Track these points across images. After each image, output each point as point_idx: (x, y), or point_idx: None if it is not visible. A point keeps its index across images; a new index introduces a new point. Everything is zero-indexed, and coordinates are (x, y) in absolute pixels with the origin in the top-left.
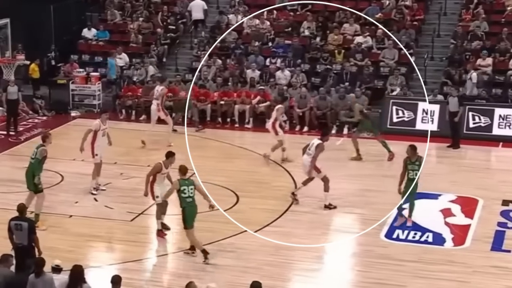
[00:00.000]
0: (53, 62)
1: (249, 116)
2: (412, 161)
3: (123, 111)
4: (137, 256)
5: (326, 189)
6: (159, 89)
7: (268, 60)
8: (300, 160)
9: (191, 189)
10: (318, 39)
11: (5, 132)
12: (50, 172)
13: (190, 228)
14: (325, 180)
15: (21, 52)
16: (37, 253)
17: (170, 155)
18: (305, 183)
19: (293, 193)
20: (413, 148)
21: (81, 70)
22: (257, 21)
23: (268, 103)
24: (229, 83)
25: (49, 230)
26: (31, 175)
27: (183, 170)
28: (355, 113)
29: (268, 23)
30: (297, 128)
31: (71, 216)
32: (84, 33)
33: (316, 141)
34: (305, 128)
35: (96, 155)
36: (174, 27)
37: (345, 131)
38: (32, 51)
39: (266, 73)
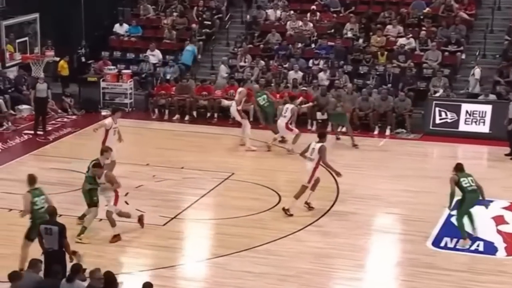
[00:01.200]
0: (83, 59)
1: None
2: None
3: (156, 110)
4: (169, 262)
5: (313, 188)
6: (239, 90)
7: (311, 61)
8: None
9: (42, 199)
10: (361, 40)
11: (33, 132)
12: (79, 174)
13: (30, 241)
14: (316, 182)
15: (50, 48)
16: (68, 259)
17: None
18: (313, 188)
19: (306, 202)
20: (458, 166)
21: (112, 67)
22: (300, 23)
23: (310, 104)
24: (272, 84)
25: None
26: (87, 191)
27: (31, 180)
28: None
29: (311, 24)
30: (339, 129)
31: (100, 220)
32: (116, 29)
33: (315, 144)
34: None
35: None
36: (209, 23)
37: (387, 132)
38: (62, 47)
39: (309, 74)
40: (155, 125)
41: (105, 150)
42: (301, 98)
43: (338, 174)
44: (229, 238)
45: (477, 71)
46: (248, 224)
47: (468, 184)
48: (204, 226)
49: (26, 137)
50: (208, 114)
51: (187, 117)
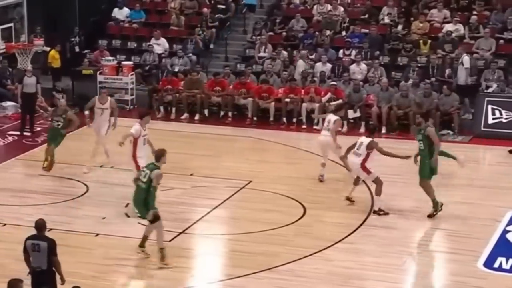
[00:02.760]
0: (77, 49)
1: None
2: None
3: (161, 108)
4: (176, 284)
5: (378, 192)
6: (331, 119)
7: (341, 51)
8: None
9: None
10: (400, 27)
11: (18, 133)
12: (73, 181)
13: None
14: (377, 182)
15: (39, 36)
16: (58, 279)
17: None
18: (356, 183)
19: (347, 198)
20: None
21: (110, 58)
22: (329, 7)
23: (340, 101)
24: (296, 78)
25: (70, 252)
26: (142, 202)
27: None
28: None
29: (342, 9)
30: None
31: (97, 234)
32: (115, 14)
33: (364, 139)
34: (383, 130)
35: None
36: (223, 7)
37: None
38: (52, 34)
39: (339, 67)
40: (160, 125)
41: (162, 154)
42: (329, 94)
43: (369, 172)
44: (246, 256)
45: (465, 59)
46: (268, 240)
47: None
48: (217, 243)
49: (11, 138)
50: (222, 113)
51: (197, 116)
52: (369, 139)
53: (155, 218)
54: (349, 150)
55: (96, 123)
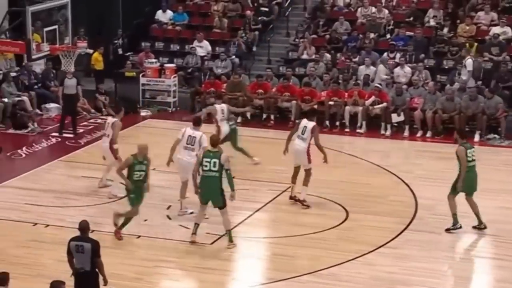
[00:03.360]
0: (120, 51)
1: (361, 119)
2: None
3: (204, 110)
4: (217, 287)
5: (306, 183)
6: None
7: (385, 54)
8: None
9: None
10: (445, 30)
11: (62, 135)
12: (115, 183)
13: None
14: (310, 173)
15: (82, 38)
16: (101, 281)
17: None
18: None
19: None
20: None
21: (153, 60)
22: (374, 9)
23: (384, 104)
24: (340, 81)
25: (112, 253)
26: (218, 191)
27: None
28: None
29: (386, 11)
30: (419, 133)
31: (139, 236)
32: (158, 16)
33: (308, 123)
34: (428, 134)
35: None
36: (267, 9)
37: (476, 138)
38: (96, 37)
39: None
40: (202, 128)
41: (217, 140)
42: (372, 98)
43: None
44: (288, 260)
45: (468, 62)
46: (310, 243)
47: None
48: (258, 246)
49: (54, 140)
50: (264, 116)
51: (239, 119)
52: (313, 123)
53: (225, 204)
54: (291, 135)
55: None
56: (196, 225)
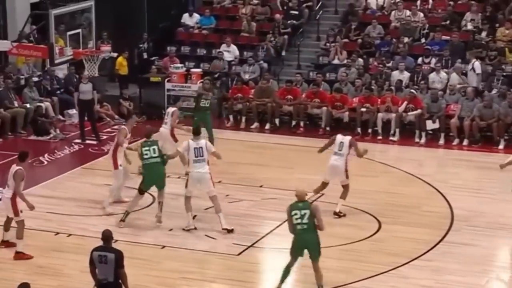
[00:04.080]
0: (145, 55)
1: (395, 126)
2: None
3: (231, 117)
4: None
5: (344, 196)
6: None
7: (420, 59)
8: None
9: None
10: (484, 34)
11: (85, 141)
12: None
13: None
14: (347, 188)
15: (106, 42)
16: None
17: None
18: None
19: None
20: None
21: (179, 65)
22: (408, 12)
23: (419, 111)
24: (372, 87)
25: (136, 264)
26: (162, 173)
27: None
28: None
29: (421, 14)
30: (455, 141)
31: (163, 247)
32: (185, 19)
33: (344, 138)
34: (465, 142)
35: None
36: (296, 12)
37: None
38: (120, 41)
39: (418, 75)
40: (229, 135)
41: (150, 131)
42: (405, 104)
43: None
44: None
45: (476, 65)
46: (341, 255)
47: None
48: (287, 257)
49: (76, 147)
50: (294, 123)
51: (267, 126)
52: (349, 137)
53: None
54: (325, 148)
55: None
56: (127, 213)
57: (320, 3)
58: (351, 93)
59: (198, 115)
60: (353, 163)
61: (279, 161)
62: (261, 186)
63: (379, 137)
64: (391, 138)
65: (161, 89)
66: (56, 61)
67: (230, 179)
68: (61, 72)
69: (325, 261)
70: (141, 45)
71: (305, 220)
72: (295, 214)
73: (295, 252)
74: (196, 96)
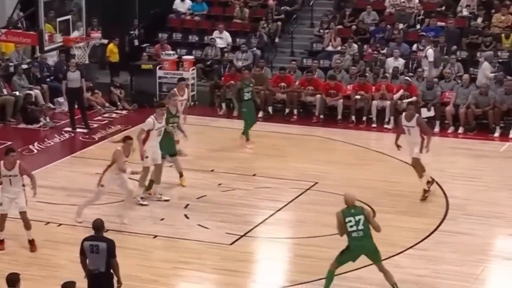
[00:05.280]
0: (136, 42)
1: (389, 114)
2: None
3: (223, 105)
4: None
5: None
6: None
7: (415, 46)
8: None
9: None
10: (479, 20)
11: (76, 130)
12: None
13: None
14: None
15: (96, 28)
16: (115, 283)
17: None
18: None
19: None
20: None
21: (171, 52)
22: None
23: (414, 98)
24: (367, 74)
25: (127, 254)
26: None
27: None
28: None
29: (416, 0)
30: (451, 129)
31: (155, 236)
32: (176, 6)
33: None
34: (460, 129)
35: (146, 157)
36: None
37: None
38: (111, 27)
39: (413, 62)
40: (222, 123)
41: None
42: (401, 91)
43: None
44: (311, 261)
45: (429, 52)
46: (335, 244)
47: None
48: (280, 247)
49: (67, 135)
50: (287, 110)
51: (260, 114)
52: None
53: None
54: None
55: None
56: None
57: None
58: (345, 81)
59: (246, 106)
60: (346, 152)
61: (273, 149)
62: (254, 175)
63: (374, 125)
64: (385, 126)
65: (153, 76)
66: (46, 48)
67: (223, 167)
68: (51, 59)
69: (318, 251)
70: (132, 32)
71: (360, 227)
72: (350, 221)
73: (348, 258)
74: (237, 91)
